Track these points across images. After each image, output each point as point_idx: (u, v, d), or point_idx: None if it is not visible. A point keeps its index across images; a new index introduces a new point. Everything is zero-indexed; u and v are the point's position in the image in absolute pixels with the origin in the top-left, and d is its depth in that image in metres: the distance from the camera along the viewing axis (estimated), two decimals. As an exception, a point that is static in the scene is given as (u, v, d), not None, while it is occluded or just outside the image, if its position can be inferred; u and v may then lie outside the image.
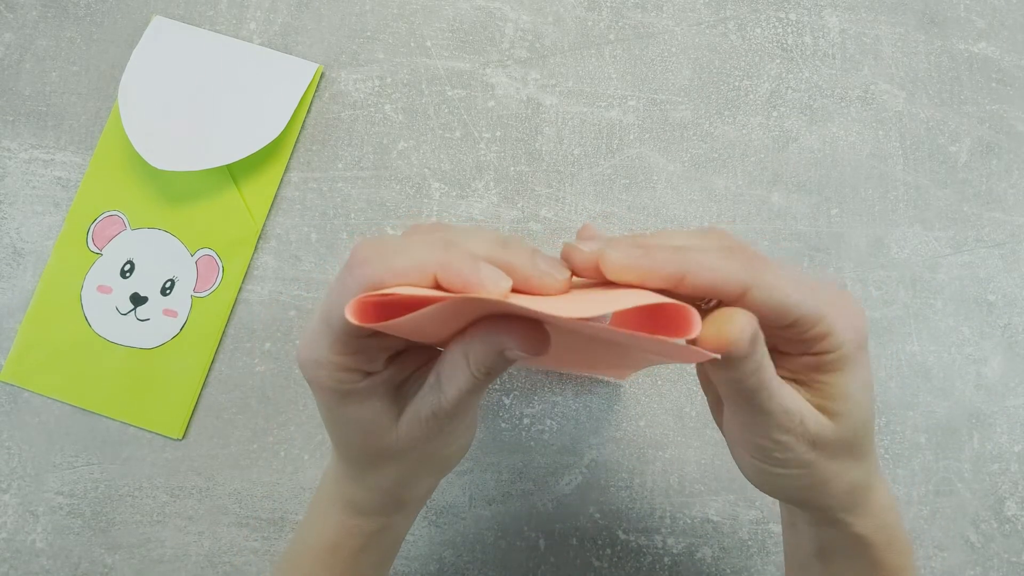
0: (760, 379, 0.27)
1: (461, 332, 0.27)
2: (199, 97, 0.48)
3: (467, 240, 0.26)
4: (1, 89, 0.49)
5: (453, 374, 0.27)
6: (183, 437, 0.46)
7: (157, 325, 0.47)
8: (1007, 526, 0.45)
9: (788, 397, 0.28)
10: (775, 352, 0.29)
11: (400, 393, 0.30)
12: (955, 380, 0.47)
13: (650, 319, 0.27)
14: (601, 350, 0.33)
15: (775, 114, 0.50)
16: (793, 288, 0.27)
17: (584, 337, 0.29)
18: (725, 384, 0.28)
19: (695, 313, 0.24)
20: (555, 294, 0.27)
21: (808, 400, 0.29)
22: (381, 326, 0.24)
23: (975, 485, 0.46)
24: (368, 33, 0.50)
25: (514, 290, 0.26)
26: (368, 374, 0.28)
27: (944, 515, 0.45)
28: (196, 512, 0.45)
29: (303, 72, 0.49)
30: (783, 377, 0.29)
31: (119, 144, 0.48)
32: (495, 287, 0.24)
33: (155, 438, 0.46)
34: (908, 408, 0.46)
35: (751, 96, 0.50)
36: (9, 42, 0.50)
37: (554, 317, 0.24)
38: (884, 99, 0.50)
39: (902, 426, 0.46)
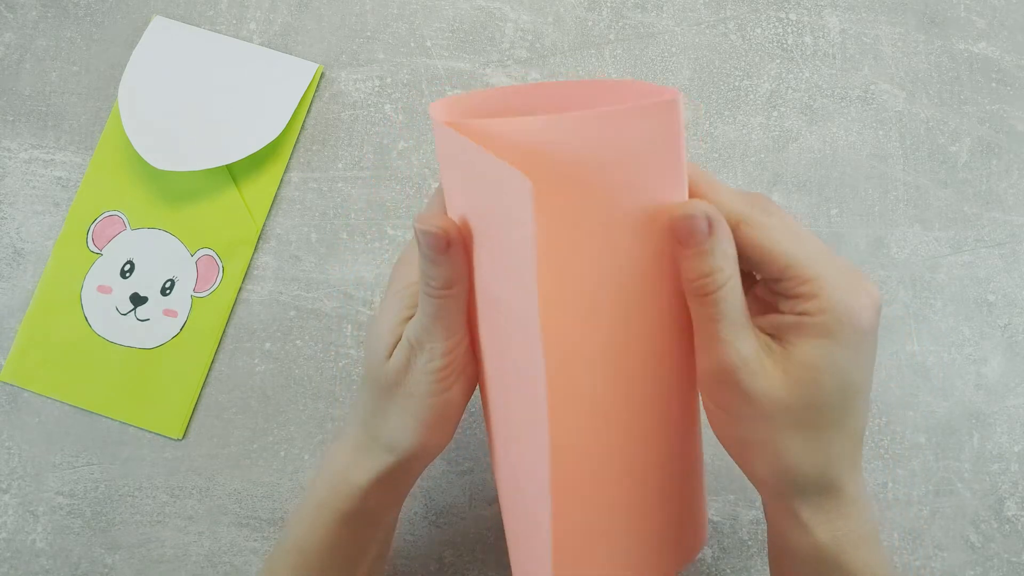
0: (722, 294, 0.27)
1: None
2: (199, 97, 0.48)
3: None
4: (1, 89, 0.49)
5: (420, 303, 0.30)
6: (183, 437, 0.46)
7: (157, 325, 0.47)
8: (1007, 526, 0.45)
9: (747, 340, 0.28)
10: (769, 309, 0.29)
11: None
12: (955, 380, 0.47)
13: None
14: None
15: (775, 114, 0.50)
16: (787, 238, 0.27)
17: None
18: (690, 294, 0.28)
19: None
20: None
21: (775, 360, 0.28)
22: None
23: (975, 485, 0.46)
24: (368, 33, 0.50)
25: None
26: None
27: (944, 515, 0.45)
28: (196, 512, 0.45)
29: (303, 72, 0.49)
30: (761, 329, 0.29)
31: (119, 144, 0.48)
32: None
33: (155, 438, 0.46)
34: (908, 408, 0.46)
35: (751, 96, 0.50)
36: (9, 42, 0.50)
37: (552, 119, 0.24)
38: (884, 99, 0.50)
39: (902, 426, 0.46)
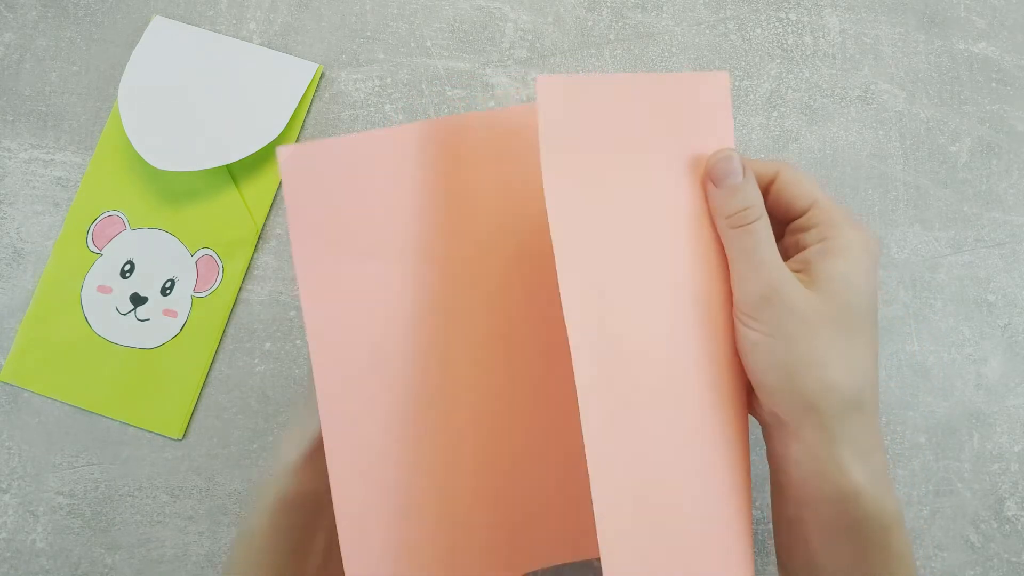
0: (755, 227, 0.32)
1: None
2: (199, 97, 0.48)
3: None
4: (1, 89, 0.49)
5: None
6: (183, 437, 0.46)
7: (157, 325, 0.47)
8: (1007, 526, 0.45)
9: (777, 261, 0.32)
10: (794, 255, 0.34)
11: None
12: (955, 380, 0.47)
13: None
14: None
15: (775, 114, 0.50)
16: (814, 185, 0.34)
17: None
18: (727, 229, 0.33)
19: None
20: None
21: (808, 283, 0.32)
22: None
23: (975, 485, 0.46)
24: (368, 33, 0.50)
25: None
26: None
27: (944, 515, 0.45)
28: (196, 512, 0.45)
29: (303, 72, 0.49)
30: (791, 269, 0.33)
31: (119, 144, 0.48)
32: None
33: (155, 438, 0.46)
34: (908, 408, 0.46)
35: (751, 96, 0.50)
36: (9, 42, 0.50)
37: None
38: (884, 99, 0.50)
39: (902, 426, 0.46)
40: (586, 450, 0.30)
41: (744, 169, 0.33)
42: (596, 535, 0.30)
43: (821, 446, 0.32)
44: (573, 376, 0.30)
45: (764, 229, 0.32)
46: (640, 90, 0.34)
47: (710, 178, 0.33)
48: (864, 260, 0.32)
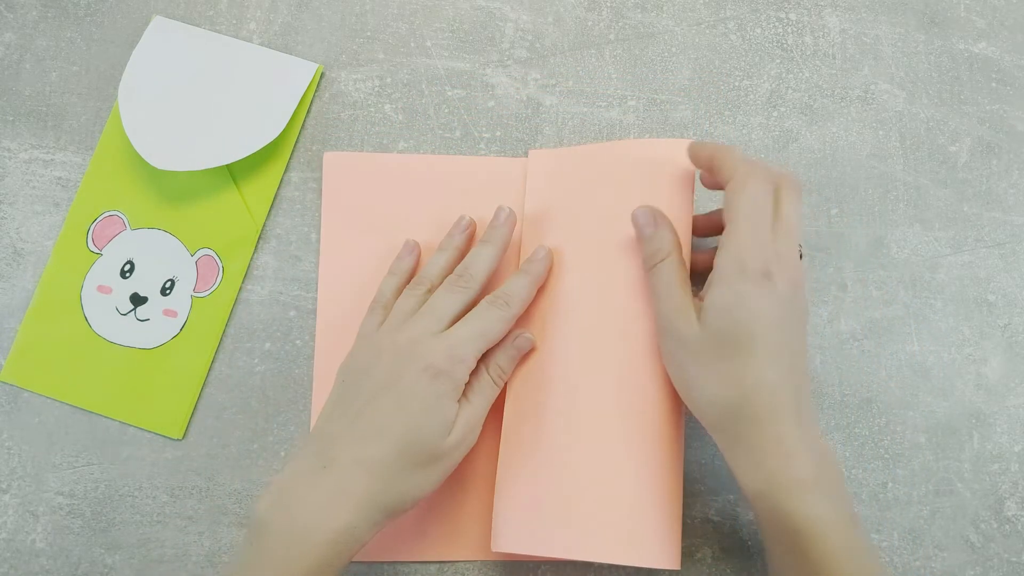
0: (662, 267, 0.38)
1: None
2: (199, 97, 0.48)
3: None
4: (1, 89, 0.49)
5: (481, 387, 0.40)
6: (183, 437, 0.46)
7: (157, 325, 0.47)
8: (1007, 526, 0.45)
9: (678, 298, 0.37)
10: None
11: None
12: (955, 380, 0.47)
13: None
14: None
15: (775, 114, 0.50)
16: (741, 202, 0.36)
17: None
18: (644, 268, 0.40)
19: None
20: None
21: (699, 311, 0.37)
22: None
23: (975, 485, 0.46)
24: (368, 33, 0.50)
25: None
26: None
27: (944, 515, 0.45)
28: (196, 512, 0.45)
29: (303, 72, 0.49)
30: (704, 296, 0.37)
31: (119, 144, 0.48)
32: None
33: (155, 438, 0.46)
34: (908, 408, 0.46)
35: (751, 96, 0.50)
36: (9, 42, 0.50)
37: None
38: (884, 99, 0.50)
39: (902, 426, 0.46)
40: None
41: (656, 221, 0.39)
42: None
43: (724, 454, 0.37)
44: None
45: (668, 269, 0.38)
46: (614, 157, 0.44)
47: (634, 228, 0.40)
48: (736, 283, 0.35)
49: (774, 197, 0.37)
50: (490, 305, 0.40)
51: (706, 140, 0.42)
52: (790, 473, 0.34)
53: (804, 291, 0.38)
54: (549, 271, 0.43)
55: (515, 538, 0.40)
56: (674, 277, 0.38)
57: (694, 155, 0.40)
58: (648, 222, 0.39)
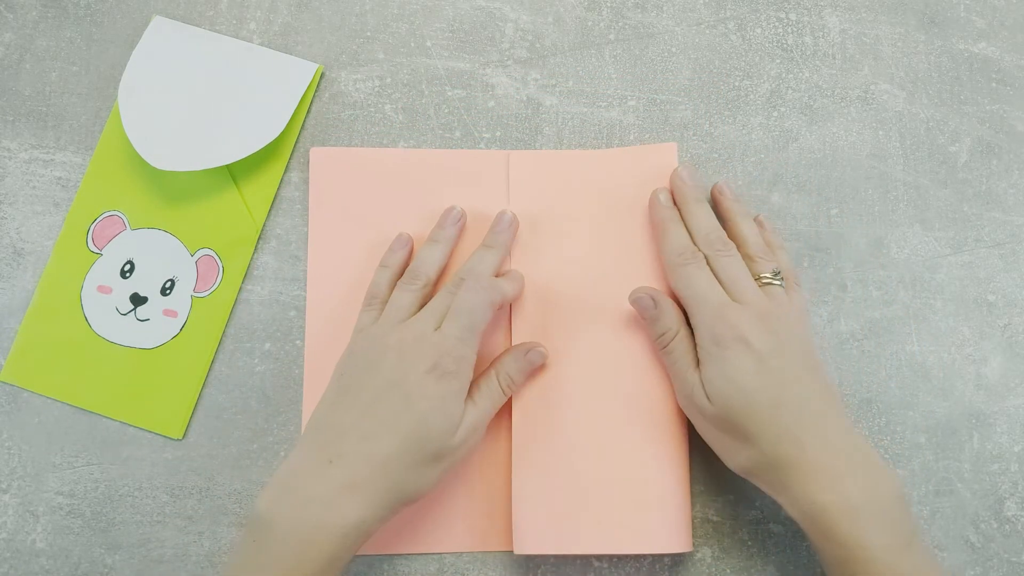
0: (673, 346, 0.40)
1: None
2: (199, 97, 0.48)
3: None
4: (1, 89, 0.49)
5: (489, 392, 0.41)
6: (183, 437, 0.46)
7: (157, 325, 0.47)
8: (1007, 526, 0.45)
9: (692, 375, 0.39)
10: None
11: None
12: (955, 380, 0.47)
13: None
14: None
15: (775, 114, 0.50)
16: (684, 286, 0.41)
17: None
18: (656, 347, 0.42)
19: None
20: None
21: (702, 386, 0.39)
22: None
23: (975, 485, 0.46)
24: (368, 33, 0.50)
25: None
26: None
27: (944, 515, 0.45)
28: (196, 512, 0.45)
29: (303, 72, 0.49)
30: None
31: (119, 144, 0.48)
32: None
33: (155, 438, 0.46)
34: (908, 408, 0.46)
35: (751, 96, 0.50)
36: (9, 42, 0.50)
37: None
38: (884, 99, 0.50)
39: (902, 426, 0.46)
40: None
41: (656, 302, 0.41)
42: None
43: (765, 490, 0.39)
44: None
45: (680, 348, 0.40)
46: (597, 163, 0.47)
47: (636, 310, 0.42)
48: (717, 358, 0.38)
49: (709, 269, 0.41)
50: (466, 292, 0.41)
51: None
52: (837, 502, 0.34)
53: (793, 312, 0.41)
54: (514, 239, 0.45)
55: (537, 539, 0.42)
56: (686, 356, 0.40)
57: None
58: (649, 305, 0.41)
